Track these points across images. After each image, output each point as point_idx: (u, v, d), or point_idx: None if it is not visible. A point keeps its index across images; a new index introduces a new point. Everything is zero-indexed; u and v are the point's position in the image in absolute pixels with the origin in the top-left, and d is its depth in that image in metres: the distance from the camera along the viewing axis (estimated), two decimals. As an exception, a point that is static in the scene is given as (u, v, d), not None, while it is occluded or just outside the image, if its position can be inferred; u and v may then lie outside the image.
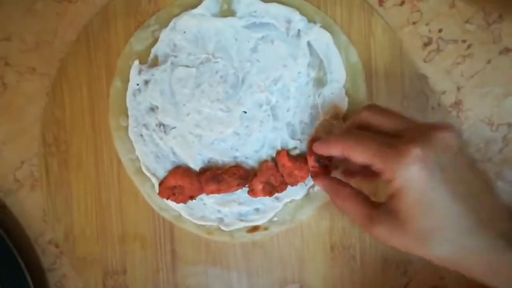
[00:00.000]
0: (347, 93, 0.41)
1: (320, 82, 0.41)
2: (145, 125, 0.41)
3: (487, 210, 0.29)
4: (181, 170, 0.41)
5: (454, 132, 0.30)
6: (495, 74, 0.43)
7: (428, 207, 0.28)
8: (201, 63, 0.41)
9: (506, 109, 0.43)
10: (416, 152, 0.28)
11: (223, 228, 0.42)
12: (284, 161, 0.40)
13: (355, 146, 0.31)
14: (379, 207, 0.31)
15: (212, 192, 0.40)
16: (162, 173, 0.41)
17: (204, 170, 0.41)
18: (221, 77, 0.41)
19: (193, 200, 0.41)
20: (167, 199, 0.41)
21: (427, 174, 0.28)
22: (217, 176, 0.40)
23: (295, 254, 0.43)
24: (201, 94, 0.41)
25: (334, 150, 0.33)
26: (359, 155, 0.31)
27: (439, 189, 0.28)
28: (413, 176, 0.28)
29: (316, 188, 0.42)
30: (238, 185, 0.40)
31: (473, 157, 0.33)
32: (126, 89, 0.41)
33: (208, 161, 0.42)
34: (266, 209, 0.42)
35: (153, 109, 0.41)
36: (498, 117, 0.43)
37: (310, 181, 0.41)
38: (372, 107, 0.34)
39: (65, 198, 0.43)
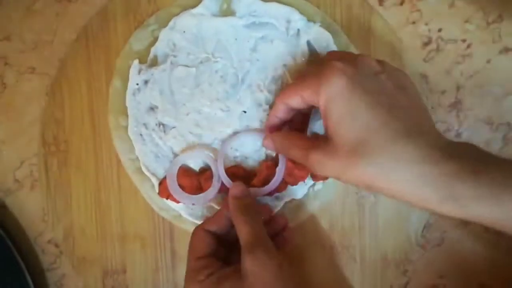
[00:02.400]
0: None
1: (319, 82, 0.41)
2: (144, 125, 0.41)
3: (416, 122, 0.28)
4: (181, 170, 0.40)
5: (378, 60, 0.31)
6: (494, 73, 0.43)
7: (351, 117, 0.28)
8: (201, 62, 0.41)
9: (505, 109, 0.43)
10: (336, 65, 0.29)
11: (223, 228, 0.42)
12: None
13: (289, 90, 0.33)
14: (317, 138, 0.32)
15: (212, 192, 0.40)
16: (161, 173, 0.41)
17: (204, 170, 0.41)
18: (220, 76, 0.41)
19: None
20: (167, 198, 0.41)
21: (347, 82, 0.28)
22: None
23: (295, 253, 0.43)
24: (201, 93, 0.41)
25: (280, 107, 0.35)
26: (294, 95, 0.32)
27: (361, 98, 0.28)
28: (333, 86, 0.28)
29: (316, 187, 0.42)
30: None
31: (408, 85, 0.31)
32: (125, 88, 0.41)
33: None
34: (265, 208, 0.42)
35: (152, 108, 0.41)
36: (498, 116, 0.43)
37: (310, 181, 0.42)
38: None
39: (64, 198, 0.43)
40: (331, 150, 0.29)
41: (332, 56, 0.33)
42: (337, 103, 0.28)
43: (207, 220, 0.37)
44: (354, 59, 0.30)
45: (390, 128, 0.27)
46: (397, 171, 0.26)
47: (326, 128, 0.30)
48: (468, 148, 0.28)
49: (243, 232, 0.32)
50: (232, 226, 0.35)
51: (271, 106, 0.41)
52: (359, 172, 0.27)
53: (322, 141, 0.30)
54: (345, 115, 0.28)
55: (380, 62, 0.31)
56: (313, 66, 0.34)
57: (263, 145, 0.38)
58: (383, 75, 0.30)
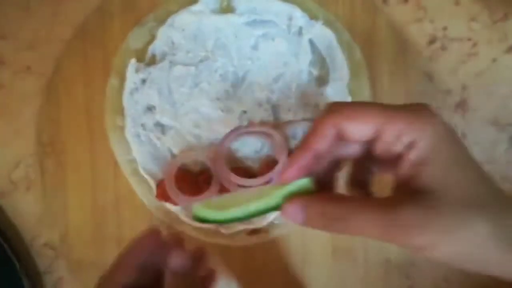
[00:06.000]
0: (350, 92, 0.41)
1: (322, 81, 0.41)
2: (142, 125, 0.41)
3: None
4: (179, 171, 0.40)
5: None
6: (500, 73, 0.43)
7: (463, 164, 0.23)
8: (200, 61, 0.41)
9: (512, 109, 0.43)
10: (432, 110, 0.24)
11: (223, 231, 0.42)
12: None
13: (360, 109, 0.24)
14: (397, 196, 0.24)
15: (211, 194, 0.39)
16: (159, 175, 0.41)
17: (202, 171, 0.41)
18: (220, 75, 0.40)
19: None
20: (165, 201, 0.40)
21: (449, 127, 0.24)
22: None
23: (296, 257, 0.43)
24: (200, 93, 0.40)
25: (328, 131, 0.25)
26: (369, 119, 0.24)
27: (464, 148, 0.24)
28: (443, 126, 0.23)
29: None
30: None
31: None
32: (122, 88, 0.41)
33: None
34: (266, 211, 0.41)
35: (150, 108, 0.41)
36: (504, 117, 0.43)
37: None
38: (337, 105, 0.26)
39: (60, 200, 0.43)
40: (434, 206, 0.22)
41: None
42: (448, 145, 0.23)
43: (114, 271, 0.28)
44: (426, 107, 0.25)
45: (489, 182, 0.24)
46: (499, 226, 0.22)
47: (422, 179, 0.23)
48: None
49: None
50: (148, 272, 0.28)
51: (272, 105, 0.41)
52: (466, 234, 0.22)
53: (411, 197, 0.23)
54: (456, 161, 0.23)
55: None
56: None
57: (284, 217, 0.26)
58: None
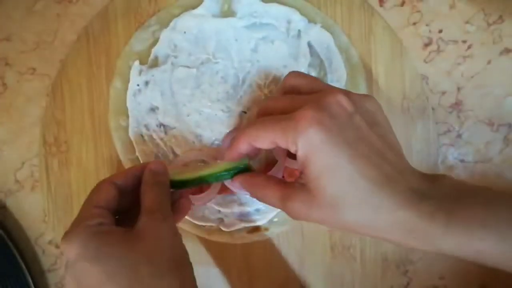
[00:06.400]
0: (347, 93, 0.41)
1: (320, 82, 0.41)
2: (145, 126, 0.41)
3: (393, 167, 0.28)
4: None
5: (345, 95, 0.29)
6: (495, 74, 0.43)
7: (332, 170, 0.27)
8: (202, 63, 0.41)
9: (506, 110, 0.43)
10: (309, 114, 0.27)
11: (223, 228, 0.42)
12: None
13: (258, 132, 0.30)
14: (293, 184, 0.31)
15: (212, 193, 0.40)
16: (162, 174, 0.41)
17: (204, 171, 0.41)
18: (221, 77, 0.41)
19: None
20: (167, 199, 0.41)
21: (326, 135, 0.27)
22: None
23: (296, 254, 0.43)
24: (202, 94, 0.41)
25: (243, 147, 0.32)
26: (264, 139, 0.30)
27: (342, 150, 0.27)
28: (312, 140, 0.27)
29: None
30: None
31: (379, 118, 0.31)
32: (126, 89, 0.41)
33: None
34: (266, 209, 0.42)
35: (153, 109, 0.41)
36: (499, 117, 0.43)
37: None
38: (293, 72, 0.34)
39: (65, 199, 0.43)
40: (311, 200, 0.29)
41: (317, 87, 0.32)
42: (318, 156, 0.27)
43: (115, 174, 0.34)
44: (323, 100, 0.29)
45: (369, 179, 0.27)
46: (377, 220, 0.27)
47: (304, 177, 0.29)
48: (443, 184, 0.29)
49: (147, 199, 0.32)
50: (135, 187, 0.34)
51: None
52: (341, 222, 0.28)
53: (298, 189, 0.30)
54: (326, 169, 0.28)
55: (349, 96, 0.30)
56: (281, 100, 0.32)
57: (232, 188, 0.36)
58: (357, 116, 0.29)
